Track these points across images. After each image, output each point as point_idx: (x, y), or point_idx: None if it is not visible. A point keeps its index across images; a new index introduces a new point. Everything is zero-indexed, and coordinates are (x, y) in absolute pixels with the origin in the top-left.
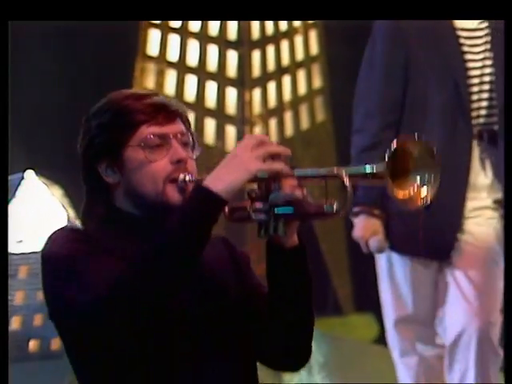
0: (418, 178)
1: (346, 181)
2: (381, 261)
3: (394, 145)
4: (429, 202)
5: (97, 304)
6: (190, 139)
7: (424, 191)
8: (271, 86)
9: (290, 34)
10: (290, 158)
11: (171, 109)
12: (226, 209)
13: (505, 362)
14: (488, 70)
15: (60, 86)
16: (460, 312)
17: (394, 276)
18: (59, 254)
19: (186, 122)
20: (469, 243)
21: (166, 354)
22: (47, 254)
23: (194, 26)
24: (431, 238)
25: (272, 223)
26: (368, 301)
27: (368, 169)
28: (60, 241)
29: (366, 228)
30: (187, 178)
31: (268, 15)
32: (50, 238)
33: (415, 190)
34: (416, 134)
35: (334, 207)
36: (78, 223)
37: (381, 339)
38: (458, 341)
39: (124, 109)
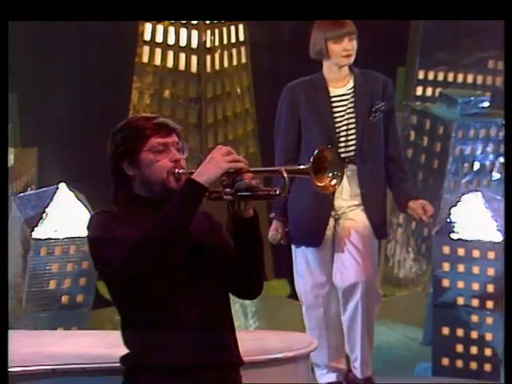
0: (331, 174)
1: (285, 175)
2: (295, 248)
3: (316, 151)
4: (336, 188)
5: (122, 258)
6: (181, 146)
7: (333, 182)
8: (220, 129)
9: (231, 94)
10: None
11: (170, 126)
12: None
13: (505, 361)
14: (352, 120)
15: (61, 86)
16: (353, 269)
17: (307, 256)
18: (96, 228)
19: (179, 135)
20: (353, 226)
21: (171, 287)
22: (89, 228)
23: (166, 88)
24: (310, 232)
25: (236, 202)
26: (284, 270)
27: (299, 167)
28: (96, 219)
29: (273, 228)
30: (181, 171)
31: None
32: (91, 218)
33: (328, 181)
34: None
35: (277, 192)
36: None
37: (292, 295)
38: (351, 288)
39: (138, 127)
